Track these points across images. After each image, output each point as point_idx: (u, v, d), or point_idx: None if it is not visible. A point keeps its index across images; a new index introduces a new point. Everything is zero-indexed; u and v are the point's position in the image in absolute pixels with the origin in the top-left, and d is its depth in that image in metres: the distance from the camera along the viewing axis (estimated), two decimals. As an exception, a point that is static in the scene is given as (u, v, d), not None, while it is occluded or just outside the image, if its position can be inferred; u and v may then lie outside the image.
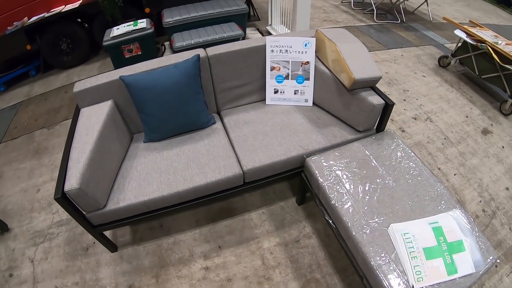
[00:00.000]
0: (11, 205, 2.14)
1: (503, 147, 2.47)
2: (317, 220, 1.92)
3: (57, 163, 2.38)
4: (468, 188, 2.14)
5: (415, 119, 2.72)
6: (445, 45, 3.89)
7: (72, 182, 1.31)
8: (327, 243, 1.81)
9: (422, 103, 2.90)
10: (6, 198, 2.19)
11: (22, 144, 2.64)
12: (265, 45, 1.91)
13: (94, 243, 1.86)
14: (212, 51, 1.83)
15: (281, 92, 2.00)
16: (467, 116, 2.75)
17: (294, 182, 2.14)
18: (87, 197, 1.37)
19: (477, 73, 2.95)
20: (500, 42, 2.75)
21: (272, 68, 1.96)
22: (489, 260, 1.26)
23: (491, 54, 2.69)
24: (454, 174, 2.23)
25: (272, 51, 1.91)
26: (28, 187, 2.25)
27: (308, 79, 1.96)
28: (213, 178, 1.59)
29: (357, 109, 1.73)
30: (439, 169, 2.27)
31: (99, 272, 1.73)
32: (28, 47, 3.23)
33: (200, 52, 1.81)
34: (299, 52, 1.91)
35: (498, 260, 1.28)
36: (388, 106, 1.67)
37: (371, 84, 1.72)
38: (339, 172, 1.56)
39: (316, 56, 1.95)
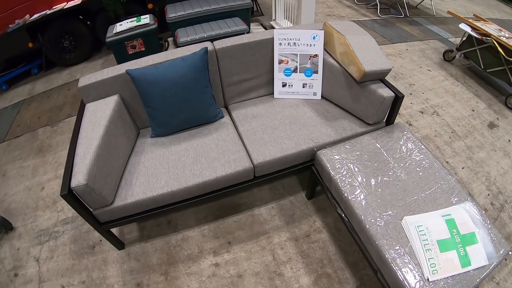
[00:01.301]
0: (15, 203, 2.12)
1: (509, 140, 2.46)
2: (327, 214, 1.90)
3: (61, 160, 2.35)
4: (476, 182, 2.13)
5: (422, 113, 2.70)
6: (449, 39, 3.87)
7: (79, 178, 1.29)
8: (338, 237, 1.79)
9: (428, 97, 2.88)
10: (10, 197, 2.17)
11: (25, 142, 2.62)
12: (273, 38, 1.88)
13: (100, 240, 1.84)
14: (220, 44, 1.81)
15: (289, 85, 1.98)
16: (473, 110, 2.74)
17: (302, 176, 2.12)
18: (94, 193, 1.35)
19: (482, 67, 2.94)
20: (504, 35, 2.73)
21: (280, 61, 1.94)
22: (501, 252, 1.25)
23: (497, 47, 2.68)
24: (462, 168, 2.22)
25: (280, 44, 1.89)
26: (32, 185, 2.23)
27: (316, 72, 1.94)
28: (223, 173, 1.57)
29: (366, 101, 1.71)
30: (447, 162, 2.25)
31: (106, 270, 1.71)
32: (30, 45, 3.21)
33: (208, 45, 1.79)
34: (307, 45, 1.89)
35: (510, 253, 1.27)
36: (398, 99, 1.65)
37: (380, 77, 1.70)
38: (350, 165, 1.54)
39: (324, 49, 1.92)
